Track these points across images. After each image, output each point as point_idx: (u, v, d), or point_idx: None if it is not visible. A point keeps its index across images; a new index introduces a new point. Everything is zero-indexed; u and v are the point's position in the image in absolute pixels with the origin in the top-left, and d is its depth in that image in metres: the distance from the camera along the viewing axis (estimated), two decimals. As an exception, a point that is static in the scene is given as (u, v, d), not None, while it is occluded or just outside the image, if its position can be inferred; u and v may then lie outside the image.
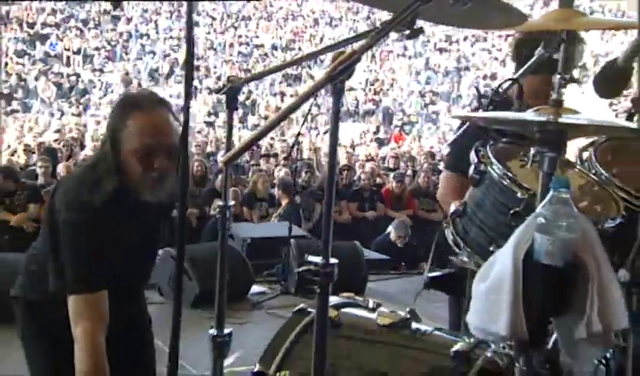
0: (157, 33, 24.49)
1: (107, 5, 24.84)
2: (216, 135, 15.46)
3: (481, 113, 1.99)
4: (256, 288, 6.16)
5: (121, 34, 24.35)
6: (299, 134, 8.44)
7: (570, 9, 2.24)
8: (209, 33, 25.08)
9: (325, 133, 17.40)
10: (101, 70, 22.33)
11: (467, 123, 2.16)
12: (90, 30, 24.12)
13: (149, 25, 24.98)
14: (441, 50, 26.68)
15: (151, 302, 5.72)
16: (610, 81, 1.27)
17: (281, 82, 23.27)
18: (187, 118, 2.04)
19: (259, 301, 5.97)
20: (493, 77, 22.99)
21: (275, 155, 12.02)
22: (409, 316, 2.01)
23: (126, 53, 23.58)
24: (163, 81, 21.91)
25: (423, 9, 1.86)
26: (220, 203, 2.27)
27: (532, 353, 1.53)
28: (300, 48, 25.18)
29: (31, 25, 23.36)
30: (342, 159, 13.15)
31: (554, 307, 1.48)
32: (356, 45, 1.45)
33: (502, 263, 1.47)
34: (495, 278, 1.47)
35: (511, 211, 1.92)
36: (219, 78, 22.62)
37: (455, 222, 2.12)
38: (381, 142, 19.10)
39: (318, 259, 1.51)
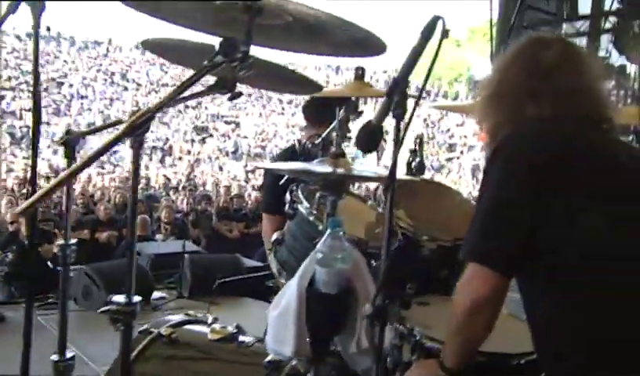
0: (94, 94, 23.09)
1: (55, 74, 23.26)
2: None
3: (279, 164, 1.79)
4: (156, 294, 5.70)
5: (64, 96, 22.75)
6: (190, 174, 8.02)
7: (362, 81, 2.12)
8: (135, 95, 23.95)
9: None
10: (48, 123, 20.71)
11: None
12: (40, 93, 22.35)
13: (87, 89, 23.50)
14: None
15: (68, 310, 5.23)
16: (368, 138, 1.10)
17: (192, 132, 22.60)
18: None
19: (159, 305, 5.51)
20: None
21: (184, 188, 11.48)
22: (235, 330, 1.75)
23: (69, 110, 22.04)
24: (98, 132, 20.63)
25: (243, 76, 1.66)
26: (62, 242, 1.90)
27: (319, 365, 1.32)
28: (206, 107, 24.58)
29: (-11, 87, 21.41)
30: (235, 189, 12.83)
31: (332, 328, 1.28)
32: (154, 104, 1.20)
33: (290, 293, 1.26)
34: (284, 306, 1.25)
35: (315, 241, 1.73)
36: (143, 129, 21.64)
37: (276, 249, 1.91)
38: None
39: (121, 299, 1.22)
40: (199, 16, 1.44)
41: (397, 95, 1.02)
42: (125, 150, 19.74)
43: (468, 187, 16.18)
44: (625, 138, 3.17)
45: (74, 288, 5.19)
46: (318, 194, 1.37)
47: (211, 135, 21.20)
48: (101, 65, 25.78)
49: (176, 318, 1.84)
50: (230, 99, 1.68)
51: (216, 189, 12.16)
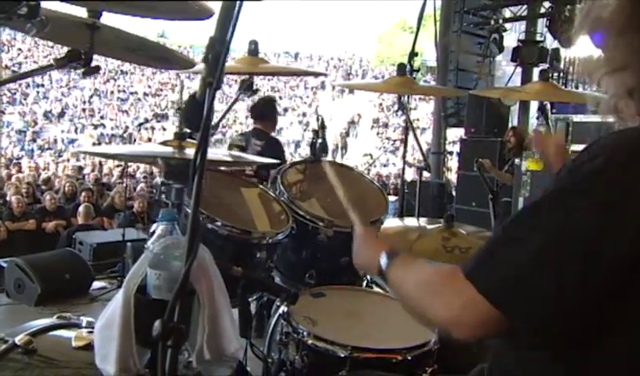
0: (50, 83, 21.98)
1: (9, 63, 21.97)
2: (93, 160, 13.95)
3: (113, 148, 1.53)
4: (97, 284, 5.32)
5: (20, 84, 21.52)
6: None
7: (256, 57, 1.88)
8: (94, 83, 22.92)
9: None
10: (2, 112, 19.59)
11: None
12: (-6, 81, 21.11)
13: (44, 77, 22.33)
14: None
15: (0, 304, 4.86)
16: (193, 113, 0.86)
17: (152, 119, 21.86)
18: None
19: (98, 296, 5.15)
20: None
21: (132, 175, 10.98)
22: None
23: (25, 98, 20.89)
24: (55, 120, 19.67)
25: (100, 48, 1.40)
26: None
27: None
28: (166, 95, 23.79)
29: (-58, 76, 20.07)
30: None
31: (169, 339, 1.04)
32: None
33: (116, 300, 1.01)
34: (109, 315, 1.01)
35: (190, 233, 1.50)
36: (102, 117, 20.79)
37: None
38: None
39: None
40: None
41: (211, 61, 0.79)
42: (83, 138, 18.92)
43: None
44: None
45: (7, 281, 4.83)
46: (159, 181, 1.13)
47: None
48: (58, 53, 24.52)
49: (42, 323, 1.56)
50: (85, 74, 1.42)
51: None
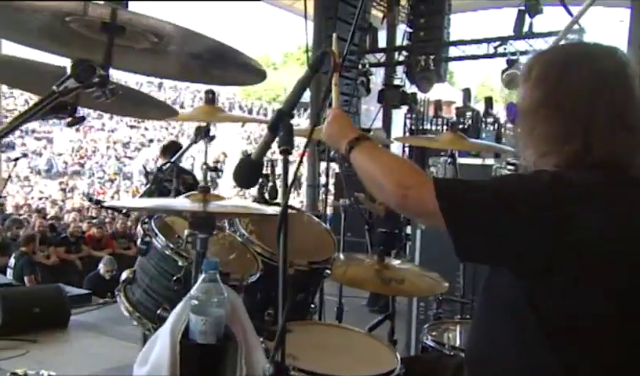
0: None
1: None
2: None
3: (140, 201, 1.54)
4: (-37, 341, 4.59)
5: None
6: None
7: (213, 106, 1.97)
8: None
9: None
10: None
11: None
12: None
13: None
14: (132, 127, 25.01)
15: None
16: (247, 173, 0.97)
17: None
18: None
19: (-31, 355, 4.45)
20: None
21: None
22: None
23: None
24: None
25: (85, 98, 1.39)
26: None
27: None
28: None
29: None
30: (50, 211, 11.30)
31: (211, 381, 1.10)
32: None
33: (161, 346, 1.05)
34: (154, 362, 1.04)
35: (174, 278, 1.52)
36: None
37: (126, 289, 1.63)
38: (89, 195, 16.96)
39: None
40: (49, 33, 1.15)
41: (282, 130, 0.91)
42: None
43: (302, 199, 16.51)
44: (438, 160, 3.51)
45: None
46: (186, 232, 1.19)
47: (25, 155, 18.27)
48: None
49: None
50: (71, 125, 1.41)
51: (28, 212, 10.57)
